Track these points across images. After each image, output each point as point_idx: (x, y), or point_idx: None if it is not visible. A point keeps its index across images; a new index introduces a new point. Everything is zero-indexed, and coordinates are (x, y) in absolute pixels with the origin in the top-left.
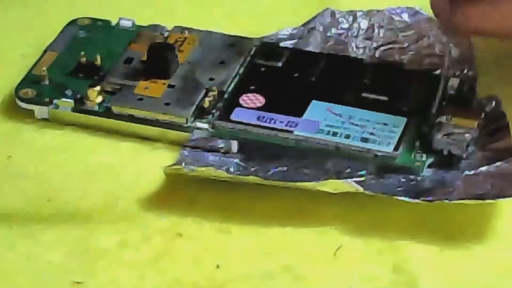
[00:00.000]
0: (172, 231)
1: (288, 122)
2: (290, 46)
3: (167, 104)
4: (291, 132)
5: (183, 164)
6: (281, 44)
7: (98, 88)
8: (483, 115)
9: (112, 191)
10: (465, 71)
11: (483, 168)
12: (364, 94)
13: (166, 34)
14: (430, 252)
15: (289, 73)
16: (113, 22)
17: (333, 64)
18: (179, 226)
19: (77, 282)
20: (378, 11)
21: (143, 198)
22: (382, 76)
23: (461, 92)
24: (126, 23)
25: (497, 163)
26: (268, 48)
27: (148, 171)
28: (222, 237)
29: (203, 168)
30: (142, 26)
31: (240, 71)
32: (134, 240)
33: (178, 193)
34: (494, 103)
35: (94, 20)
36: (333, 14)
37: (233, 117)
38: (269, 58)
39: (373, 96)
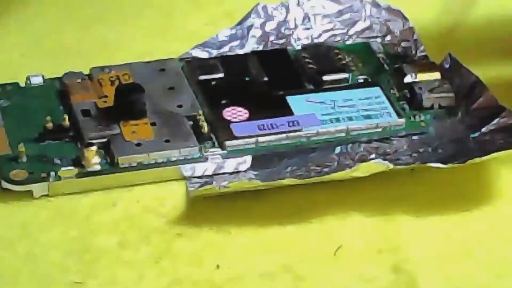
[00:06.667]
0: (172, 231)
1: (288, 122)
2: (209, 56)
3: (167, 141)
4: (300, 130)
5: (214, 183)
6: (222, 50)
7: (94, 147)
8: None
9: (112, 191)
10: (409, 43)
11: (484, 129)
12: (325, 77)
13: (94, 78)
14: (430, 252)
15: (239, 79)
16: (21, 83)
17: (267, 60)
18: (179, 226)
19: (77, 282)
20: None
21: (143, 198)
22: (320, 57)
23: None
24: (36, 80)
25: (494, 121)
26: (197, 63)
27: None
28: (221, 237)
29: (236, 182)
30: (51, 79)
31: (196, 91)
32: (134, 240)
33: (178, 193)
34: (449, 60)
35: (0, 86)
36: (265, 8)
37: (236, 133)
38: (209, 72)
39: (334, 76)
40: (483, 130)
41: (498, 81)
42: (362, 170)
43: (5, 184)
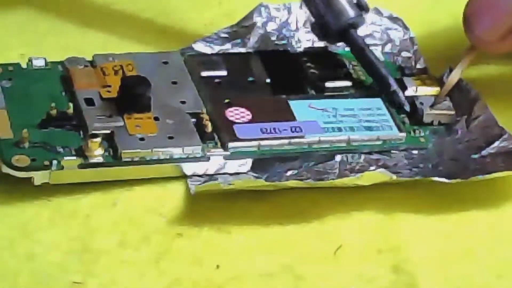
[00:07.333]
0: (172, 231)
1: (291, 128)
2: (210, 52)
3: (171, 138)
4: (303, 137)
5: (218, 179)
6: (224, 47)
7: (98, 139)
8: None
9: (112, 191)
10: (409, 53)
11: (484, 151)
12: (327, 84)
13: (97, 66)
14: (430, 252)
15: (242, 79)
16: (23, 64)
17: (269, 60)
18: (179, 226)
19: (77, 282)
20: None
21: (143, 198)
22: (322, 62)
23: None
24: (38, 63)
25: (495, 144)
26: (200, 59)
27: None
28: (221, 237)
29: (241, 181)
30: (53, 62)
31: (199, 87)
32: (134, 240)
33: (178, 193)
34: (449, 71)
35: (1, 66)
36: (267, 8)
37: (240, 135)
38: (212, 68)
39: (336, 83)
40: (483, 152)
41: (498, 96)
42: (366, 179)
43: (6, 169)
